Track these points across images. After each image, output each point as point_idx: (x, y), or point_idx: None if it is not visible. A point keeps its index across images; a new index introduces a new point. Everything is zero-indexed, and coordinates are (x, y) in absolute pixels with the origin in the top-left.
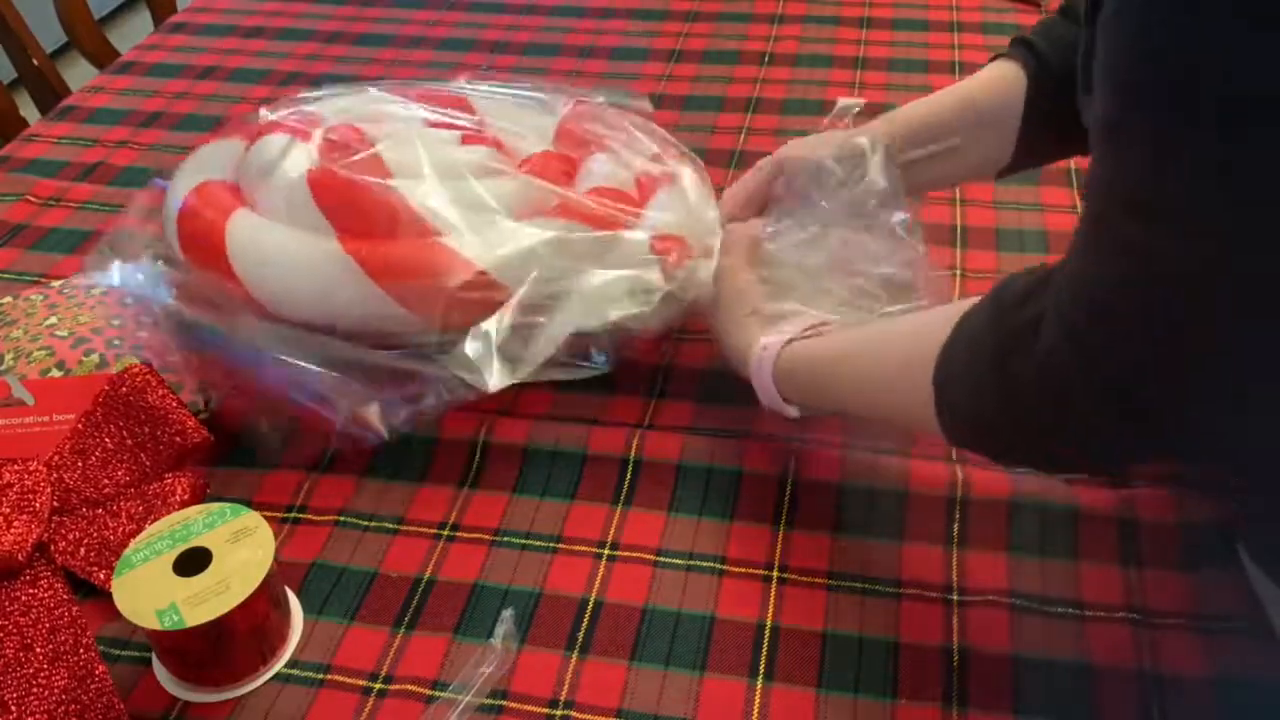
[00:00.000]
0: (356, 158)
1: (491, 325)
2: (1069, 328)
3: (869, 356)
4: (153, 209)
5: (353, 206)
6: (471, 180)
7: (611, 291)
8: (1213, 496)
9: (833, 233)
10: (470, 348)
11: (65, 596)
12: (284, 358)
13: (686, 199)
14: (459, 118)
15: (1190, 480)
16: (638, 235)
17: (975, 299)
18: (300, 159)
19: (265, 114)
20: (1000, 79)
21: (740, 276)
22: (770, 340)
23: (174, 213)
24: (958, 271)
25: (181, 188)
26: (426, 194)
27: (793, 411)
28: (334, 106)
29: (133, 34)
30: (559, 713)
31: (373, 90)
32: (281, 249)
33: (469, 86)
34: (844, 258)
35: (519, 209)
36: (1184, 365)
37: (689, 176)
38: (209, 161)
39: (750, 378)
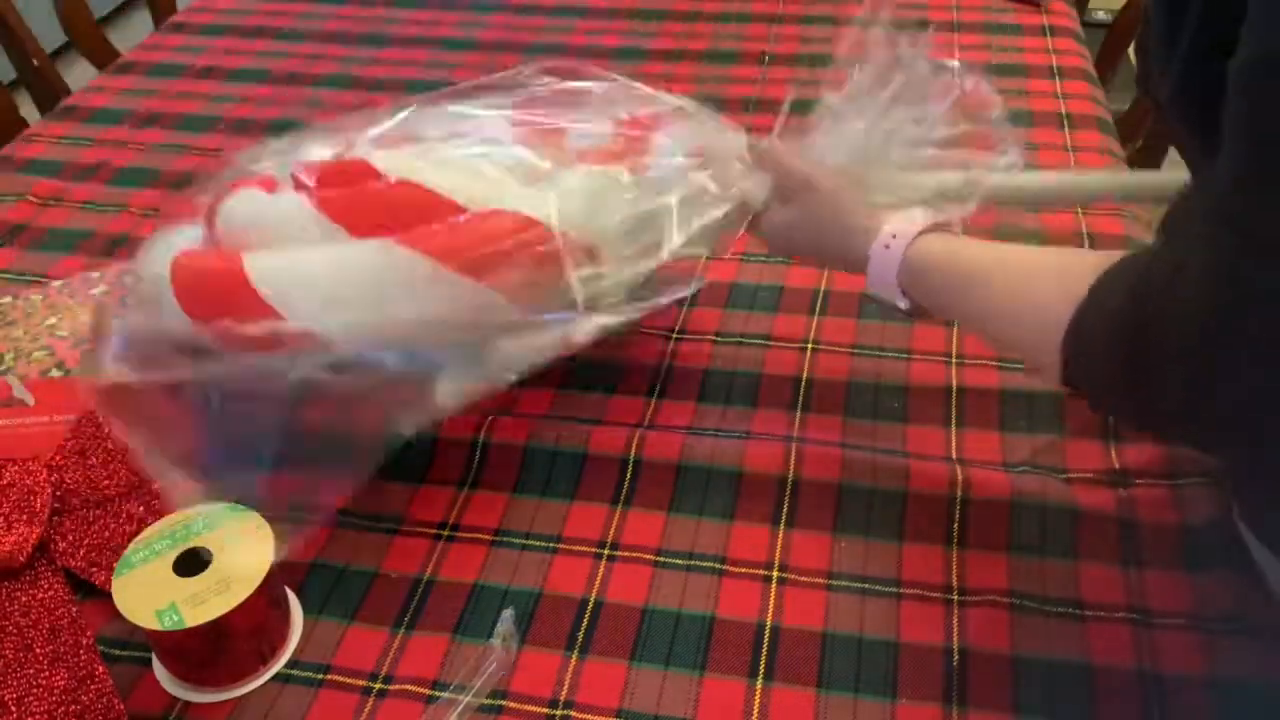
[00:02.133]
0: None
1: (586, 273)
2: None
3: (1006, 286)
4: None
5: (363, 204)
6: (482, 159)
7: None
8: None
9: (871, 122)
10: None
11: (65, 597)
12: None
13: (701, 123)
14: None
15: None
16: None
17: (1111, 254)
18: (291, 199)
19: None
20: None
21: (820, 170)
22: (901, 228)
23: (163, 276)
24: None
25: (159, 258)
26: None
27: (904, 304)
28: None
29: (133, 34)
30: (559, 713)
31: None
32: (330, 263)
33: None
34: (892, 131)
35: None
36: None
37: (691, 106)
38: (175, 244)
39: (860, 263)
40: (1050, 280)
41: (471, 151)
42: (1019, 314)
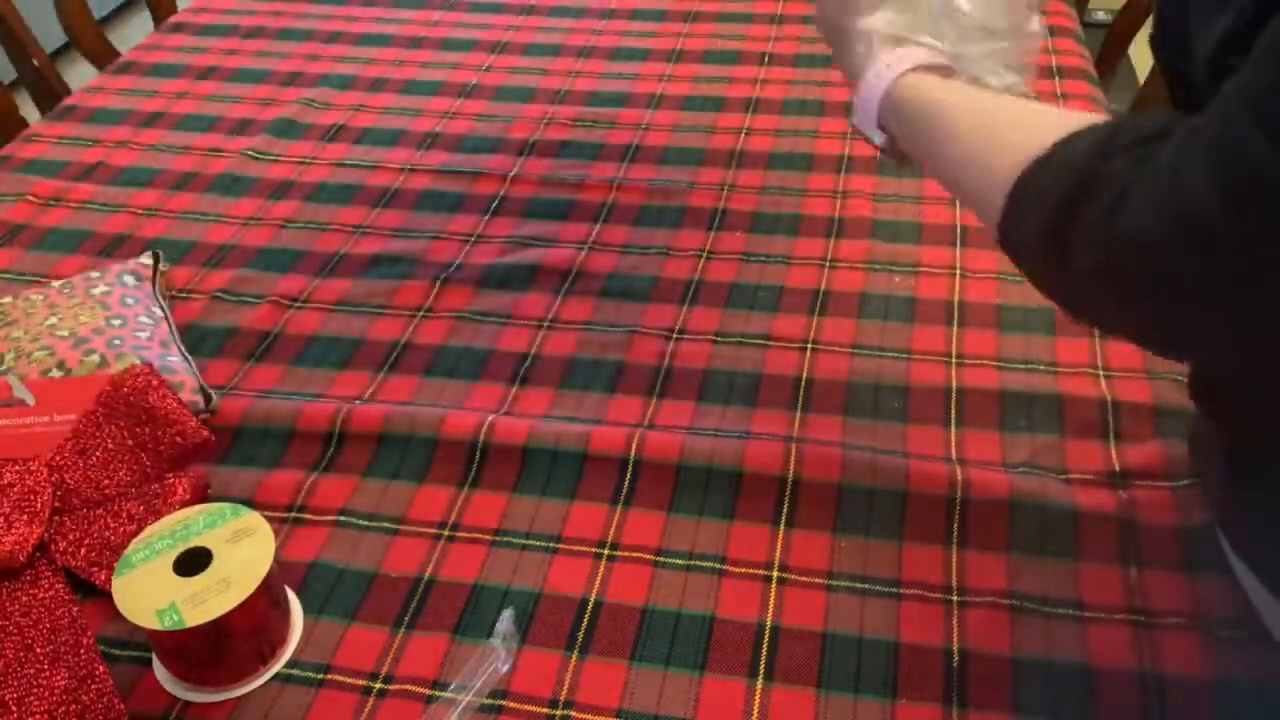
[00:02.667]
0: None
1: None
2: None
3: (979, 128)
4: None
5: None
6: None
7: None
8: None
9: None
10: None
11: (65, 596)
12: None
13: None
14: None
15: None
16: None
17: (1093, 118)
18: None
19: None
20: None
21: None
22: (894, 60)
23: None
24: (957, 271)
25: None
26: None
27: (879, 138)
28: None
29: (133, 34)
30: (559, 713)
31: None
32: None
33: None
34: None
35: None
36: None
37: None
38: None
39: (854, 89)
40: (1019, 130)
41: None
42: (977, 156)
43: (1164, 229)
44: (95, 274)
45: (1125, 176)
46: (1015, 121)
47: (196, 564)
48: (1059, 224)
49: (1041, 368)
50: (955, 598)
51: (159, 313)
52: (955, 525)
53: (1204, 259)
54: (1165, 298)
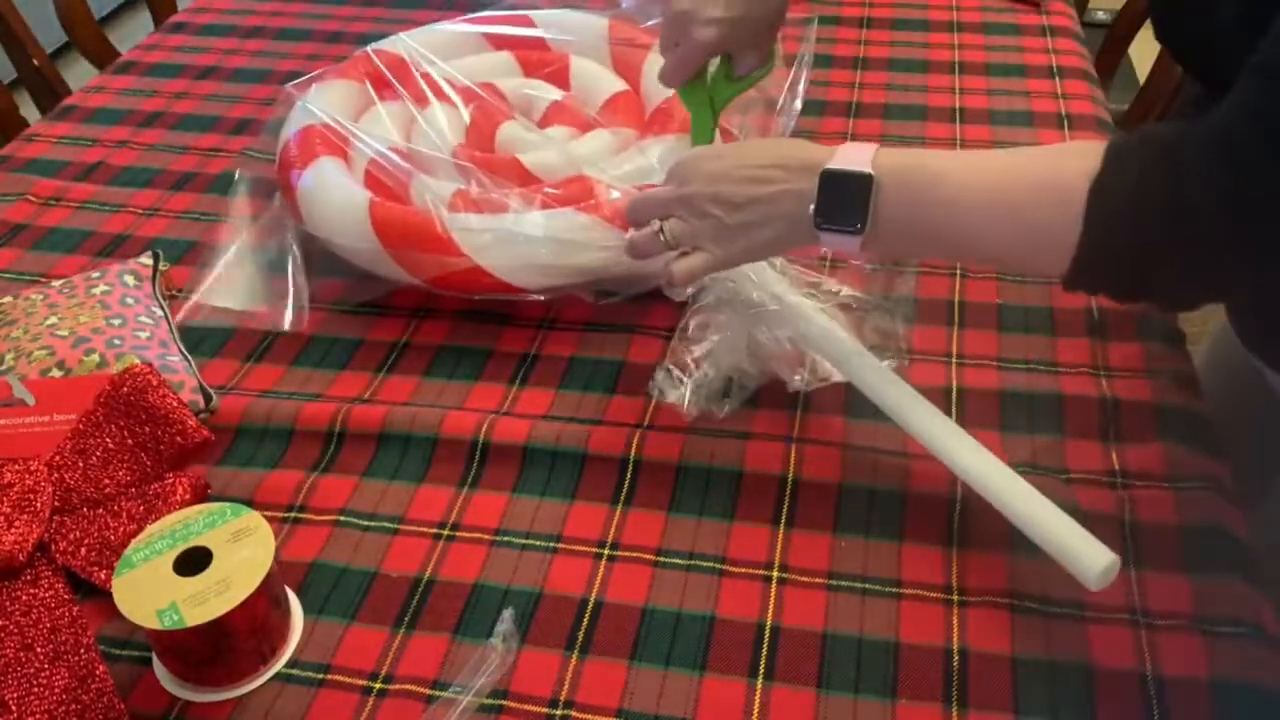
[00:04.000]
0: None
1: None
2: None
3: (990, 178)
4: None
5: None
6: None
7: None
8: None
9: None
10: None
11: (65, 596)
12: None
13: None
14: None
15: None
16: None
17: (1089, 142)
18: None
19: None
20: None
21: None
22: (857, 146)
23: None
24: (957, 271)
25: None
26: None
27: (869, 168)
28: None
29: (133, 34)
30: (559, 713)
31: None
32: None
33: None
34: None
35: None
36: None
37: None
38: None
39: (807, 191)
40: (1040, 162)
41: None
42: (1013, 203)
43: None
44: (95, 274)
45: (1185, 154)
46: (1025, 158)
47: (196, 564)
48: (1171, 213)
49: (1041, 368)
50: (955, 597)
51: (159, 312)
52: (955, 525)
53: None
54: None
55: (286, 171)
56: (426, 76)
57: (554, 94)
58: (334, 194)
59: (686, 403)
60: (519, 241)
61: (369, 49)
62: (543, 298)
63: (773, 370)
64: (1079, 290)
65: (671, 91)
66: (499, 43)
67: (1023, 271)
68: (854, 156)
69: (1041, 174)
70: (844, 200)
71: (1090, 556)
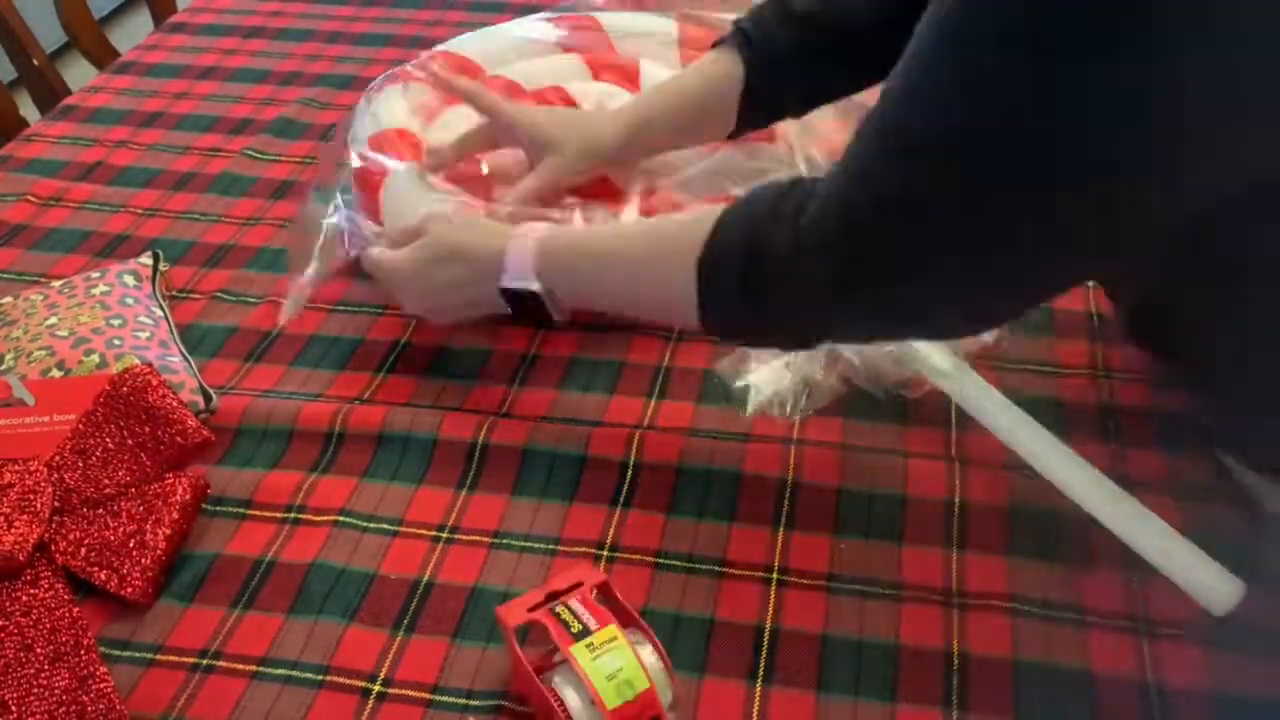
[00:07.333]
0: None
1: None
2: (825, 231)
3: (635, 242)
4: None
5: None
6: None
7: None
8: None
9: None
10: None
11: (66, 597)
12: None
13: None
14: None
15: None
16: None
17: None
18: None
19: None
20: (717, 73)
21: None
22: (528, 228)
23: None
24: None
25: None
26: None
27: (536, 285)
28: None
29: (133, 34)
30: None
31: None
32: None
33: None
34: None
35: None
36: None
37: None
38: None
39: (494, 266)
40: (674, 228)
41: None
42: (652, 260)
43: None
44: (95, 274)
45: (786, 209)
46: (661, 229)
47: None
48: (751, 266)
49: (1042, 369)
50: (955, 600)
51: (159, 312)
52: (955, 528)
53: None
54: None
55: (367, 180)
56: (498, 79)
57: (625, 97)
58: (420, 203)
59: (751, 405)
60: None
61: (436, 50)
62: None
63: (850, 380)
64: (713, 335)
65: None
66: (566, 45)
67: (674, 326)
68: (518, 265)
69: (661, 243)
70: (531, 310)
71: (1220, 586)
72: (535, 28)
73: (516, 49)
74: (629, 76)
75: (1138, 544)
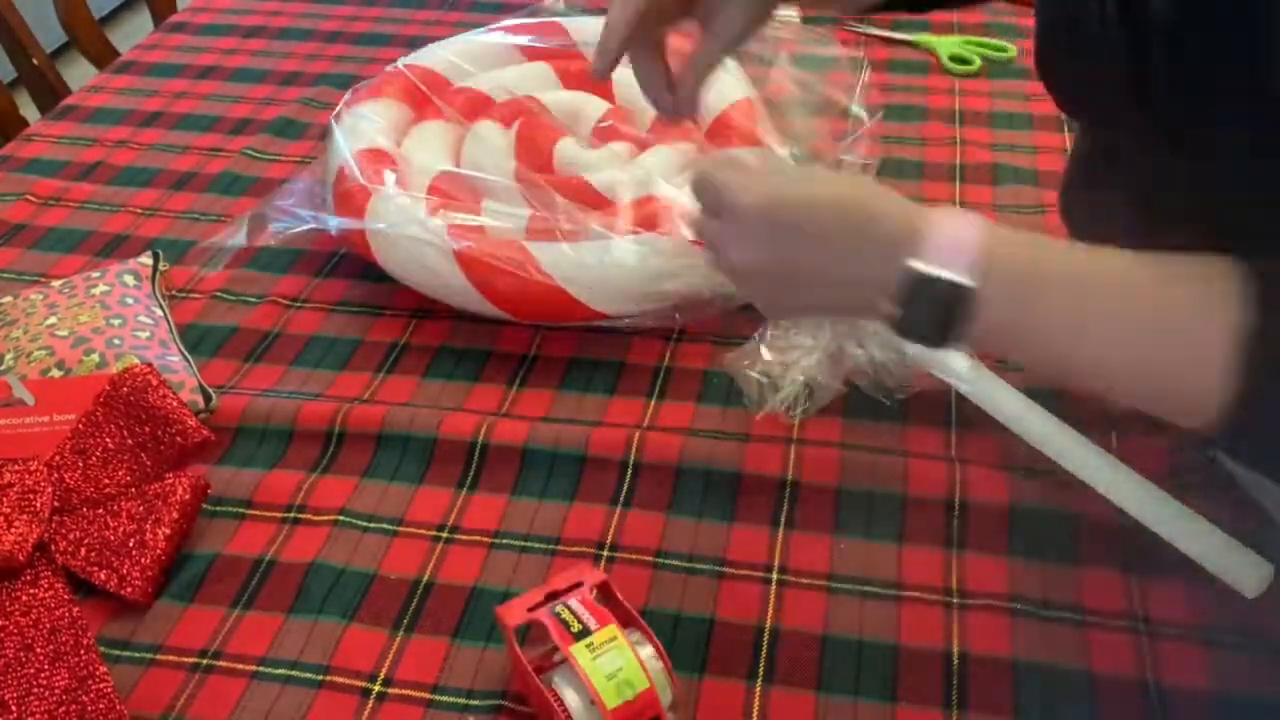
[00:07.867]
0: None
1: None
2: None
3: (1140, 279)
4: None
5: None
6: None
7: None
8: None
9: None
10: None
11: (66, 596)
12: None
13: None
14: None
15: None
16: None
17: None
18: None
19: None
20: None
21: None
22: (956, 224)
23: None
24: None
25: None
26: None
27: (966, 278)
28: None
29: (133, 34)
30: None
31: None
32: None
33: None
34: None
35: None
36: None
37: None
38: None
39: (916, 248)
40: (1186, 291)
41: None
42: (1159, 337)
43: None
44: (95, 274)
45: None
46: (1172, 273)
47: None
48: None
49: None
50: (955, 600)
51: (158, 312)
52: (955, 528)
53: None
54: None
55: (349, 202)
56: (466, 91)
57: (601, 107)
58: (409, 229)
59: (758, 401)
60: (609, 268)
61: (401, 64)
62: (625, 322)
63: (853, 381)
64: (1243, 430)
65: (728, 102)
66: (533, 54)
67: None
68: (950, 247)
69: (1182, 308)
70: (929, 315)
71: (1252, 568)
72: (500, 36)
73: (482, 56)
74: (602, 86)
75: (1169, 532)
